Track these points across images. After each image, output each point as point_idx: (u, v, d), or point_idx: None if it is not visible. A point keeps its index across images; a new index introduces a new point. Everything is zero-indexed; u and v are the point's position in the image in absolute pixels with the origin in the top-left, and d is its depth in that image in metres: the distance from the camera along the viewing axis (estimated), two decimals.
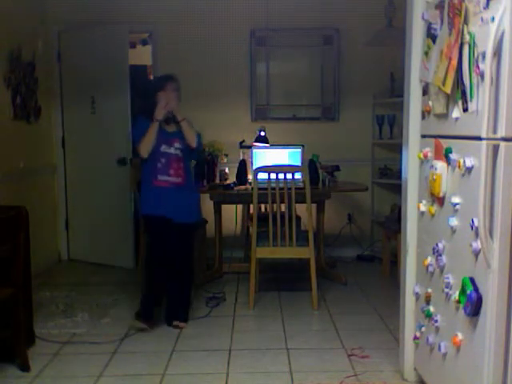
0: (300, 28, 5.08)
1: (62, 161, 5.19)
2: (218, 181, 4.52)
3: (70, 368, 2.92)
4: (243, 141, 4.65)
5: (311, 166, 4.20)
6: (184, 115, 3.39)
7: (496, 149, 1.82)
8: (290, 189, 3.71)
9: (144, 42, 6.07)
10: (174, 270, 3.46)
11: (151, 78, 5.53)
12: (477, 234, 1.90)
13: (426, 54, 2.39)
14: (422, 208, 2.45)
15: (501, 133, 1.80)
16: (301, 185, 3.88)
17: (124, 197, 4.81)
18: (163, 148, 3.36)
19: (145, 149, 3.31)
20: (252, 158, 4.35)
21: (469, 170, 1.97)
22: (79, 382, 2.76)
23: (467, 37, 1.97)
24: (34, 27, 4.77)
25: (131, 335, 3.34)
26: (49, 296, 4.05)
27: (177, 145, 3.38)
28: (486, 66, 1.79)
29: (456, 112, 2.10)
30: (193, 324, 3.52)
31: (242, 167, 4.39)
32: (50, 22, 5.01)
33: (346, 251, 5.22)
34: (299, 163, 4.29)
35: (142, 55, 5.95)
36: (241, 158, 4.47)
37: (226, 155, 4.67)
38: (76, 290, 4.21)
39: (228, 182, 4.47)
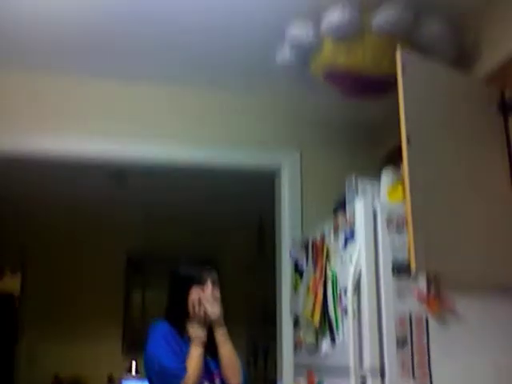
0: (177, 258, 5.15)
1: None
2: None
3: None
4: (111, 375, 4.34)
5: None
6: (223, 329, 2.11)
7: (364, 380, 1.88)
8: None
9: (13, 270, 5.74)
10: None
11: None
12: None
13: (295, 287, 2.57)
14: None
15: (366, 364, 1.88)
16: None
17: None
18: None
19: None
20: None
21: None
22: None
23: (330, 274, 2.17)
24: None
25: None
26: None
27: (219, 381, 2.09)
28: (348, 301, 1.95)
29: (325, 343, 2.19)
30: None
31: None
32: None
33: None
34: None
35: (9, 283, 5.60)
36: None
37: None
38: None
39: None
